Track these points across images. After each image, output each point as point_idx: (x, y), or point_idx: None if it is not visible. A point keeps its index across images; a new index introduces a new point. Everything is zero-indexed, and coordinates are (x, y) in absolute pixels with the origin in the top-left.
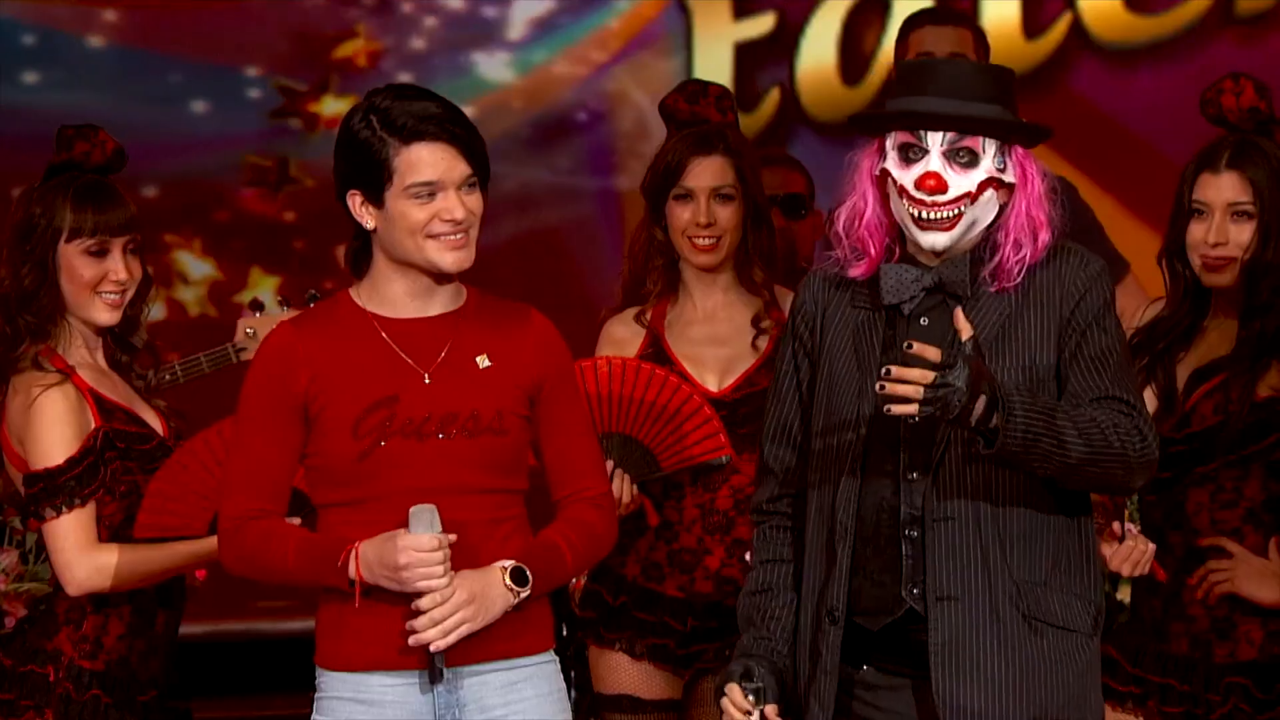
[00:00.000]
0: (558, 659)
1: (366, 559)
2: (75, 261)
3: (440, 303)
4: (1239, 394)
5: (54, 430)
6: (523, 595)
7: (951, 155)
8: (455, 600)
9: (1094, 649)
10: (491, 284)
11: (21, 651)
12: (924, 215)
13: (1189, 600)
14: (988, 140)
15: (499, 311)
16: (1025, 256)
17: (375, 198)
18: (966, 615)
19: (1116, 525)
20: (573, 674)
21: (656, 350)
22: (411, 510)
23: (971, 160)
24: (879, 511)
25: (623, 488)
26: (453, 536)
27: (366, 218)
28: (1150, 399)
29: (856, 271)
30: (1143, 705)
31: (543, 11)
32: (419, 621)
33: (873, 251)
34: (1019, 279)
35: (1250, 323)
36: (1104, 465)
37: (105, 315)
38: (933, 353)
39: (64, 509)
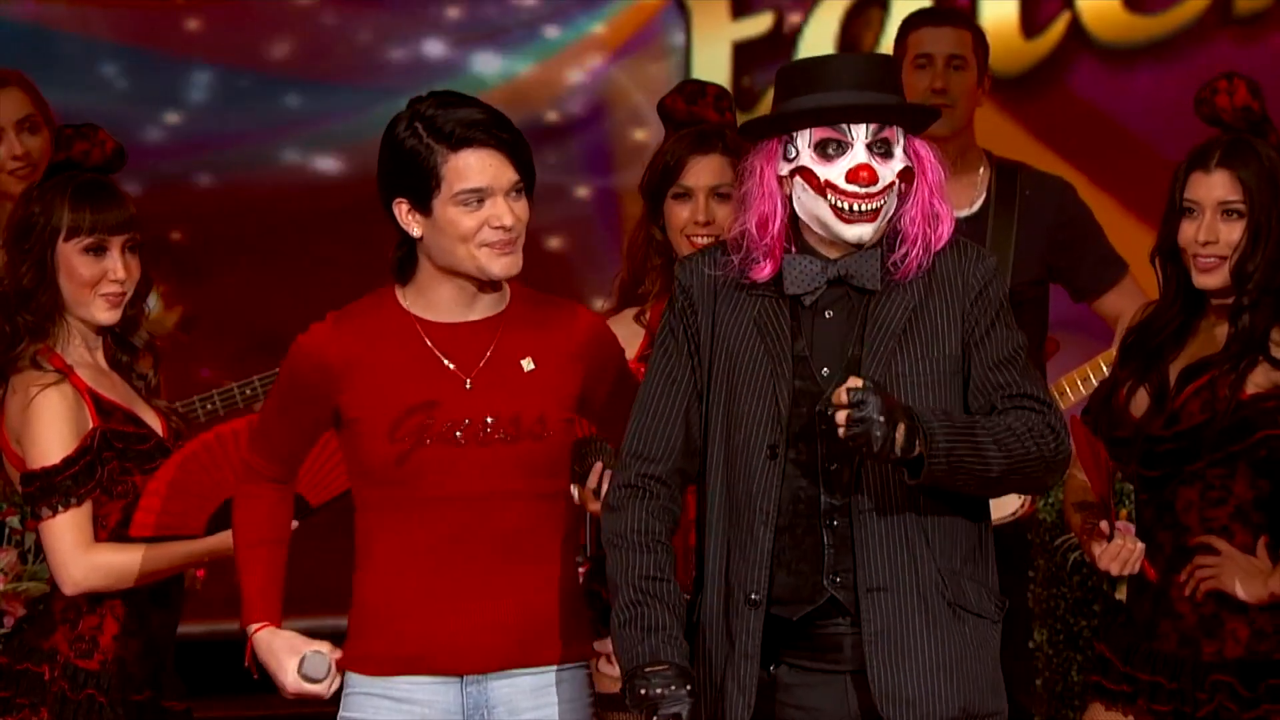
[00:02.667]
0: (590, 669)
1: (264, 642)
2: (74, 260)
3: (484, 306)
4: (1225, 392)
5: (51, 430)
6: None
7: (872, 146)
8: None
9: (999, 636)
10: None
11: (18, 650)
12: (853, 208)
13: (1177, 598)
14: (898, 131)
15: (545, 311)
16: (929, 244)
17: (423, 205)
18: (897, 605)
19: (1105, 524)
20: None
21: None
22: (308, 657)
23: (888, 151)
24: (795, 501)
25: None
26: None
27: (413, 225)
28: (1143, 398)
29: (762, 274)
30: (1133, 704)
31: (541, 10)
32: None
33: (778, 253)
34: (922, 267)
35: (1237, 320)
36: (1024, 472)
37: (105, 314)
38: (842, 395)
39: (60, 508)
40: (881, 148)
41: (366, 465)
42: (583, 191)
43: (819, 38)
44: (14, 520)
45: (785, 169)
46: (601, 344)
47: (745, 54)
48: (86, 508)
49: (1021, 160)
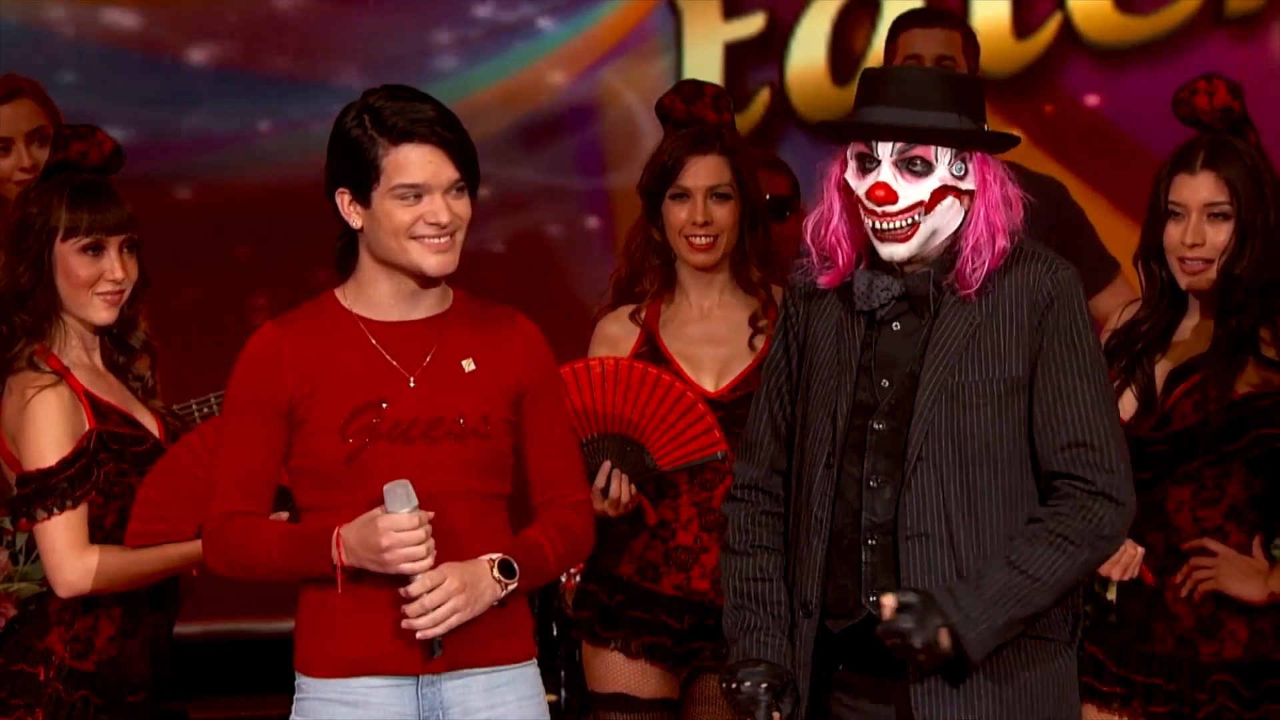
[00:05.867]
0: (538, 666)
1: (349, 543)
2: (71, 260)
3: (426, 305)
4: (1217, 392)
5: (47, 431)
6: (510, 588)
7: (903, 165)
8: (446, 588)
9: (1072, 658)
10: (481, 284)
11: (14, 650)
12: (879, 226)
13: (1172, 599)
14: (941, 149)
15: (485, 314)
16: (984, 262)
17: (363, 197)
18: None
19: None
20: (564, 674)
21: (652, 349)
22: (385, 488)
23: (925, 169)
24: (845, 515)
25: (620, 488)
26: (430, 514)
27: (354, 216)
28: (1129, 400)
29: (825, 280)
30: (1127, 706)
31: (533, 11)
32: (410, 608)
33: (840, 261)
34: (979, 286)
35: (1226, 321)
36: (1085, 571)
37: (102, 315)
38: (888, 608)
39: (55, 510)
40: (917, 165)
41: (316, 466)
42: (575, 192)
43: (811, 38)
44: (5, 521)
45: (843, 177)
46: (539, 354)
47: (737, 54)
48: (82, 510)
49: (1013, 161)
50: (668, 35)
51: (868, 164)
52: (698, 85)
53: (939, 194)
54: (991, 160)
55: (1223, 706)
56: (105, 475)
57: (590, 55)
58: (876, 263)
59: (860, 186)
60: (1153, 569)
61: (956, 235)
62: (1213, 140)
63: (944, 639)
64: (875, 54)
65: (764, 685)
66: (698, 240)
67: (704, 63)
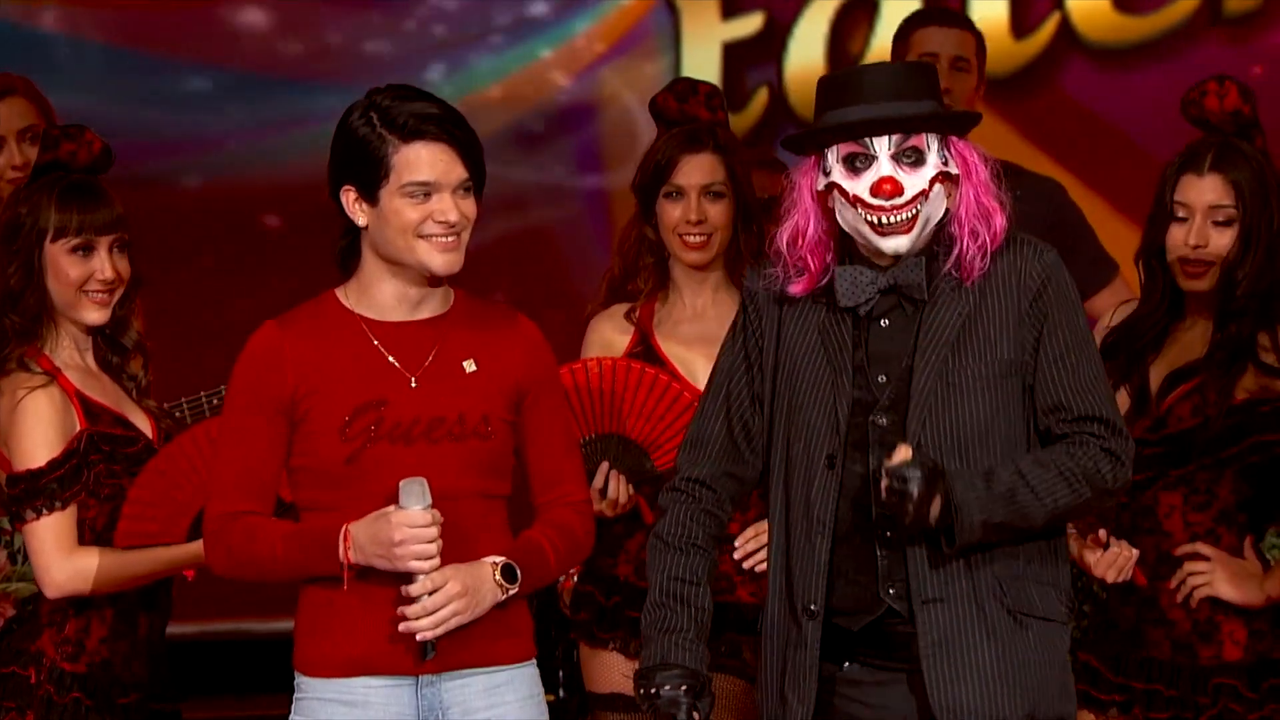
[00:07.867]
0: (537, 666)
1: (358, 539)
2: (61, 261)
3: (428, 306)
4: (1216, 396)
5: (37, 432)
6: (511, 592)
7: (899, 157)
8: (448, 591)
9: (1067, 637)
10: (479, 284)
11: (5, 653)
12: (883, 220)
13: (1167, 605)
14: (930, 136)
15: (486, 315)
16: (984, 243)
17: (370, 195)
18: (953, 615)
19: (1103, 532)
20: (561, 675)
21: (646, 349)
22: (401, 483)
23: (919, 159)
24: (854, 511)
25: (618, 488)
26: (441, 516)
27: (359, 214)
28: (1123, 400)
29: (796, 289)
30: (1127, 712)
31: (531, 10)
32: (410, 610)
33: (813, 268)
34: (983, 267)
35: (1226, 325)
36: (1079, 510)
37: (94, 315)
38: (899, 456)
39: (44, 511)
40: (910, 156)
41: (316, 465)
42: (574, 191)
43: (809, 38)
44: (3, 521)
45: (822, 183)
46: (540, 355)
47: (735, 54)
48: (71, 511)
49: (1012, 161)
50: (666, 35)
51: (860, 162)
52: (691, 83)
53: (934, 181)
54: (967, 143)
55: (1226, 709)
56: (95, 476)
57: (589, 55)
58: (855, 260)
59: (857, 186)
60: (1145, 573)
61: (942, 223)
62: (1221, 143)
63: (936, 508)
64: (873, 54)
65: (683, 688)
66: (692, 239)
67: (702, 62)
